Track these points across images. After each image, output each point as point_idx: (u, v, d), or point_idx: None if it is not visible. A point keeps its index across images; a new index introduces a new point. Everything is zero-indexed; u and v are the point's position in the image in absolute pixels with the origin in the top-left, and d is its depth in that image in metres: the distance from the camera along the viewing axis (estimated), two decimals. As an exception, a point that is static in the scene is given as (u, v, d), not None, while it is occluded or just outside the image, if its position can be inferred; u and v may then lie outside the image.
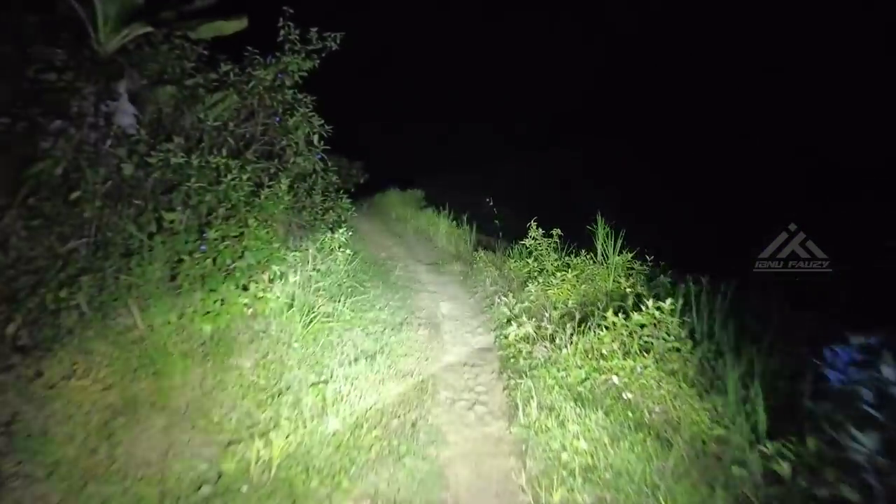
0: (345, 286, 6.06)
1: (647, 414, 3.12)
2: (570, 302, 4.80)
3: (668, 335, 3.52)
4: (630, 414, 3.09)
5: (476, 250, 9.07)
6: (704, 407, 3.05)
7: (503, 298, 5.72)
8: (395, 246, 10.54)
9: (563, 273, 5.21)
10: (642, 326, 3.60)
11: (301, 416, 3.13)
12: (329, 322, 4.61)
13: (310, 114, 4.41)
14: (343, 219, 5.94)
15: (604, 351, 3.56)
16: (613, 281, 5.25)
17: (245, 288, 3.58)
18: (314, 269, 5.50)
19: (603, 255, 5.83)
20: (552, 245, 5.78)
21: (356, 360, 4.07)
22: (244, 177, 3.85)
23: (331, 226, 5.51)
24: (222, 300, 3.48)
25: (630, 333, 3.51)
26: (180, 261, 3.42)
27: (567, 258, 5.97)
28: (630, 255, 5.61)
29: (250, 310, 3.68)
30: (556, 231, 5.65)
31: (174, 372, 3.29)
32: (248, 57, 4.59)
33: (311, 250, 5.54)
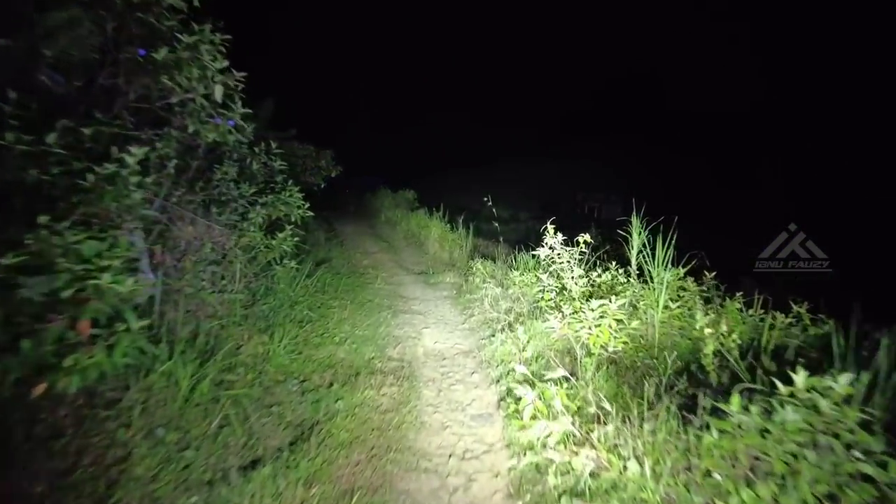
0: (296, 310, 4.22)
1: None
2: (611, 345, 2.95)
3: (843, 442, 1.66)
4: None
5: (472, 258, 7.24)
6: None
7: (508, 332, 3.87)
8: (381, 252, 8.69)
9: (600, 299, 3.35)
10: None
11: None
12: (233, 387, 2.75)
13: (203, 46, 2.53)
14: (293, 219, 4.08)
15: (717, 474, 1.69)
16: (664, 308, 3.42)
17: (8, 348, 1.72)
18: (240, 291, 3.65)
19: (641, 271, 3.99)
20: (576, 257, 3.91)
21: (258, 460, 2.21)
22: (54, 142, 2.00)
23: (267, 229, 3.67)
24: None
25: (778, 441, 1.64)
26: None
27: (593, 273, 4.12)
28: (683, 271, 3.79)
29: (40, 386, 1.82)
30: (585, 238, 3.78)
31: None
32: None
33: (238, 265, 3.69)
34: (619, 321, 2.88)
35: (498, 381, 3.24)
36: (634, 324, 2.94)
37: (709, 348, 2.73)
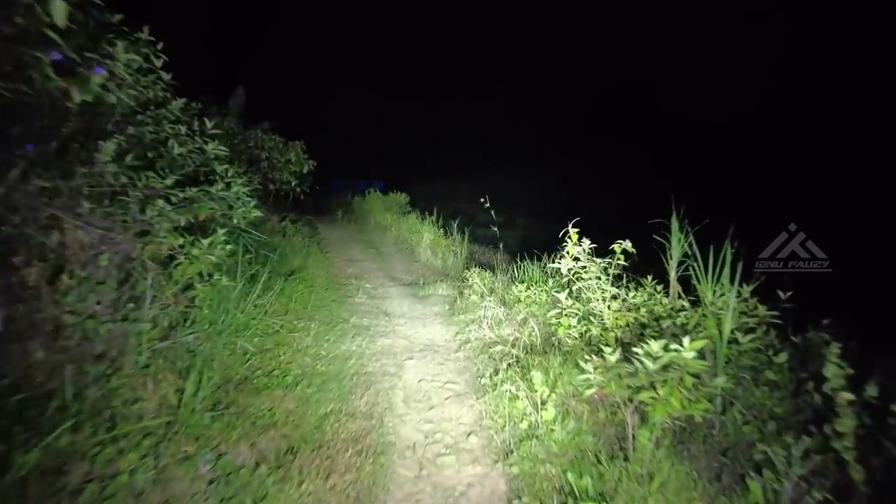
0: (241, 340, 3.10)
1: None
2: (678, 411, 1.86)
3: None
4: None
5: (468, 266, 6.16)
6: None
7: (516, 369, 2.77)
8: (368, 259, 7.58)
9: (641, 325, 2.28)
10: None
11: None
12: (107, 475, 1.63)
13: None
14: (234, 219, 2.96)
15: None
16: (729, 343, 2.35)
17: None
18: (150, 319, 2.53)
19: (683, 290, 2.92)
20: (608, 269, 2.83)
21: None
22: None
23: (181, 233, 2.56)
24: None
25: None
26: None
27: (628, 292, 3.03)
28: (749, 290, 2.70)
29: None
30: (624, 244, 2.67)
31: None
32: None
33: (147, 282, 2.57)
34: (695, 376, 1.78)
35: (508, 455, 2.15)
36: (720, 381, 1.86)
37: (846, 424, 1.65)
